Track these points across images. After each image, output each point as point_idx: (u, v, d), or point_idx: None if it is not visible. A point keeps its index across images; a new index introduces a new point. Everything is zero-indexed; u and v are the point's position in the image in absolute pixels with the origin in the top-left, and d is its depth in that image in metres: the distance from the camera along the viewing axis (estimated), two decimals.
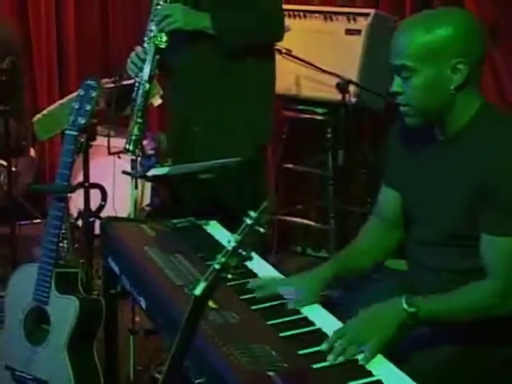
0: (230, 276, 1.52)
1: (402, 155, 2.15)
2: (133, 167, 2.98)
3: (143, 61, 2.87)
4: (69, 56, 5.15)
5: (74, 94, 3.71)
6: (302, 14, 4.10)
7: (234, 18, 2.89)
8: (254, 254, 1.54)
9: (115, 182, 3.50)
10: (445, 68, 1.92)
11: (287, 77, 4.01)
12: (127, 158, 3.70)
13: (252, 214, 1.50)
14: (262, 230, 1.49)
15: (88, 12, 5.14)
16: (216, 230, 2.58)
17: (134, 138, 2.82)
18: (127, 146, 2.83)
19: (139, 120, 2.83)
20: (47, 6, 5.07)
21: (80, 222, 3.35)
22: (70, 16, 5.09)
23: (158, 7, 2.88)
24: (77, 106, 2.64)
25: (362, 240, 2.26)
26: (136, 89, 2.86)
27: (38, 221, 4.58)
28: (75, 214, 3.33)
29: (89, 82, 2.67)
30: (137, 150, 2.86)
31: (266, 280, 2.16)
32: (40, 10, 5.09)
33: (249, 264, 2.24)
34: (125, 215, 3.88)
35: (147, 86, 2.85)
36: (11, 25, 4.44)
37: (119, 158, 3.69)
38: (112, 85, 3.63)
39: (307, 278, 2.13)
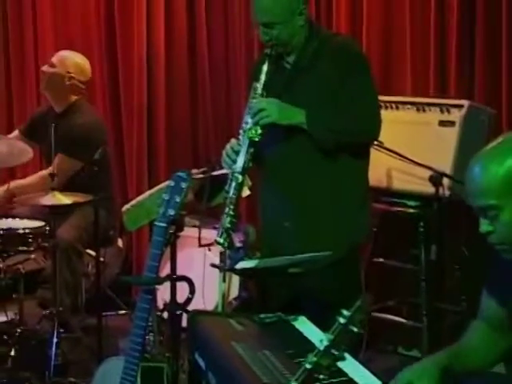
0: (321, 376, 1.50)
1: (507, 271, 2.09)
2: (221, 260, 3.01)
3: (237, 153, 2.92)
4: (158, 146, 5.28)
5: (164, 185, 3.82)
6: (394, 105, 4.12)
7: (330, 118, 2.93)
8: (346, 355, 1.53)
9: (202, 274, 3.53)
10: None
11: (378, 169, 4.01)
12: (215, 249, 3.76)
13: (345, 312, 1.50)
14: (355, 329, 1.48)
15: (178, 101, 5.28)
16: (305, 327, 2.56)
17: (225, 230, 2.86)
18: (218, 239, 2.86)
19: (231, 212, 2.87)
20: (139, 97, 5.26)
21: (166, 315, 3.38)
22: (161, 106, 5.25)
23: (254, 100, 2.96)
24: (167, 198, 2.67)
25: (470, 339, 2.21)
26: (229, 181, 2.91)
27: (124, 312, 4.64)
28: (161, 306, 3.36)
29: (179, 174, 2.71)
30: (229, 244, 2.89)
31: None
32: (132, 100, 5.29)
33: (339, 363, 2.21)
34: (211, 308, 3.91)
35: (240, 178, 2.90)
36: (101, 116, 4.62)
37: (209, 250, 3.73)
38: (201, 176, 3.71)
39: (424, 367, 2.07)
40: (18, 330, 3.99)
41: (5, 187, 4.44)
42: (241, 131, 2.96)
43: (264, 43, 3.03)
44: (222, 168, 3.08)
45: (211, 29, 5.15)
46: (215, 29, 5.16)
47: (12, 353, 3.87)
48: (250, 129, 2.92)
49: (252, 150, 2.92)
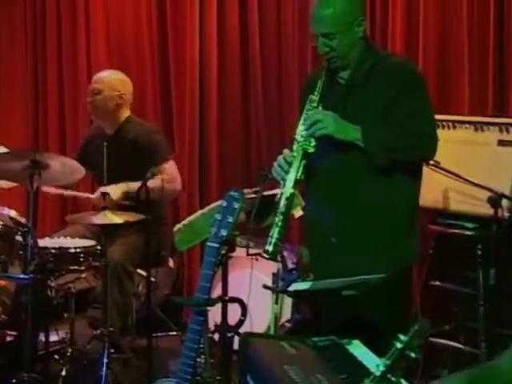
0: None
1: None
2: (274, 281, 2.99)
3: (290, 164, 2.92)
4: (210, 164, 5.31)
5: (216, 204, 3.84)
6: (451, 124, 4.08)
7: (386, 136, 2.92)
8: (403, 381, 1.50)
9: (253, 296, 3.52)
10: None
11: (435, 189, 3.97)
12: (267, 271, 3.75)
13: (402, 337, 1.47)
14: (413, 355, 1.46)
15: (230, 118, 5.31)
16: (359, 351, 2.53)
17: (274, 240, 2.84)
18: (266, 247, 2.85)
19: (280, 223, 2.85)
20: (191, 114, 5.29)
21: (217, 336, 3.38)
22: (213, 123, 5.29)
23: (309, 112, 2.96)
24: (219, 218, 2.66)
25: (503, 361, 2.16)
26: (280, 192, 2.91)
27: (175, 333, 4.65)
28: (212, 328, 3.36)
29: (232, 194, 2.70)
30: (277, 255, 2.87)
31: None
32: (184, 117, 5.32)
33: None
34: (262, 330, 3.89)
35: (291, 190, 2.89)
36: (157, 133, 4.65)
37: (257, 260, 3.71)
38: (253, 195, 3.71)
39: None
40: (69, 350, 4.03)
41: (124, 185, 4.38)
42: (294, 143, 2.95)
43: (322, 55, 3.04)
44: (272, 178, 3.05)
45: (264, 43, 5.18)
46: (268, 43, 5.19)
47: (63, 372, 3.91)
48: (304, 140, 2.91)
49: (304, 162, 2.92)
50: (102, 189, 4.12)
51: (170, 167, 4.49)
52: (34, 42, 5.97)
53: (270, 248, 2.85)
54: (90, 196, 4.49)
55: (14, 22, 6.10)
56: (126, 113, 4.62)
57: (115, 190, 4.24)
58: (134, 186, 4.13)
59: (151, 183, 4.09)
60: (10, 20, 6.13)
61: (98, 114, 4.63)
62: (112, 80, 4.60)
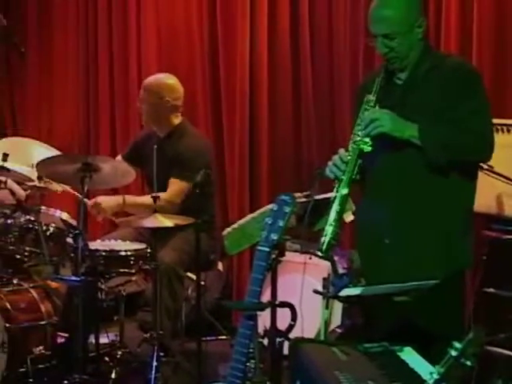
0: None
1: None
2: (324, 286, 2.98)
3: (345, 163, 2.92)
4: (260, 168, 5.31)
5: (267, 208, 3.84)
6: (505, 128, 4.03)
7: (443, 134, 2.89)
8: None
9: (303, 300, 3.51)
10: None
11: (488, 194, 3.92)
12: (317, 275, 3.74)
13: (457, 345, 1.46)
14: (468, 363, 1.44)
15: (281, 123, 5.30)
16: (411, 357, 2.51)
17: (327, 239, 2.83)
18: (320, 246, 2.84)
19: (334, 223, 2.84)
20: (241, 119, 5.31)
21: (266, 341, 3.37)
22: (264, 128, 5.29)
23: (366, 112, 2.95)
24: (270, 222, 2.66)
25: None
26: (334, 192, 2.90)
27: (224, 337, 4.66)
28: (262, 332, 3.35)
29: (283, 197, 2.69)
30: (331, 254, 2.86)
31: None
32: (234, 122, 5.34)
33: None
34: (312, 335, 3.88)
35: (347, 189, 2.88)
36: (206, 137, 4.68)
37: (310, 258, 3.69)
38: (304, 199, 3.70)
39: None
40: (119, 353, 4.07)
41: (120, 199, 4.50)
42: (350, 142, 2.95)
43: (382, 56, 3.03)
44: (327, 178, 3.03)
45: (315, 45, 5.16)
46: (319, 45, 5.17)
47: (113, 375, 3.95)
48: (360, 139, 2.91)
49: (360, 161, 2.91)
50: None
51: (179, 187, 4.45)
52: (85, 45, 6.05)
53: (323, 246, 2.84)
54: (88, 202, 4.46)
55: (67, 24, 6.20)
56: (177, 118, 4.64)
57: (108, 205, 4.39)
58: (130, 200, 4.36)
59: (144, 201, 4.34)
60: (62, 22, 6.23)
61: (148, 120, 4.68)
62: (158, 85, 4.61)
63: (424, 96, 2.98)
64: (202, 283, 4.05)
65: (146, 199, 4.25)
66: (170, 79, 4.68)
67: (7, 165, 4.02)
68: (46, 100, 6.36)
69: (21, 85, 6.47)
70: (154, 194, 4.02)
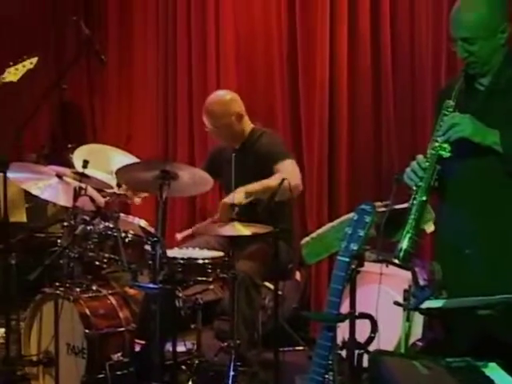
0: None
1: None
2: (405, 298, 2.94)
3: (424, 170, 2.88)
4: (339, 176, 5.29)
5: (346, 217, 3.81)
6: None
7: None
8: None
9: (381, 312, 3.47)
10: None
11: None
12: (395, 287, 3.69)
13: None
14: None
15: (360, 131, 5.28)
16: (496, 374, 2.46)
17: (404, 246, 2.81)
18: (396, 253, 2.81)
19: (411, 231, 2.81)
20: (320, 126, 5.29)
21: (344, 353, 3.34)
22: (343, 136, 5.27)
23: (445, 118, 2.91)
24: (350, 232, 2.63)
25: None
26: (412, 199, 2.87)
27: (301, 348, 4.64)
28: (340, 344, 3.32)
29: (363, 207, 2.67)
30: (408, 262, 2.82)
31: None
32: (313, 129, 5.33)
33: None
34: (389, 347, 3.83)
35: (425, 196, 2.85)
36: (274, 136, 4.68)
37: (387, 266, 3.65)
38: (383, 209, 3.66)
39: None
40: (196, 361, 4.09)
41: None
42: (429, 148, 2.91)
43: (462, 60, 2.98)
44: (405, 184, 2.99)
45: (396, 50, 5.13)
46: (400, 50, 5.14)
47: (190, 383, 3.97)
48: (439, 145, 2.86)
49: (439, 167, 2.87)
50: (227, 199, 4.16)
51: (289, 164, 4.45)
52: (164, 53, 6.12)
53: (400, 253, 2.81)
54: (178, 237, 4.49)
55: (146, 32, 6.30)
56: (247, 125, 4.66)
57: (238, 195, 4.23)
58: (252, 186, 4.19)
59: (269, 182, 4.13)
60: (142, 30, 6.33)
61: (223, 141, 4.74)
62: (224, 104, 4.60)
63: (507, 102, 2.92)
64: (280, 293, 4.04)
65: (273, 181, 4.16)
66: (226, 94, 4.70)
67: (87, 172, 4.09)
68: (125, 107, 6.47)
69: (101, 92, 6.60)
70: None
